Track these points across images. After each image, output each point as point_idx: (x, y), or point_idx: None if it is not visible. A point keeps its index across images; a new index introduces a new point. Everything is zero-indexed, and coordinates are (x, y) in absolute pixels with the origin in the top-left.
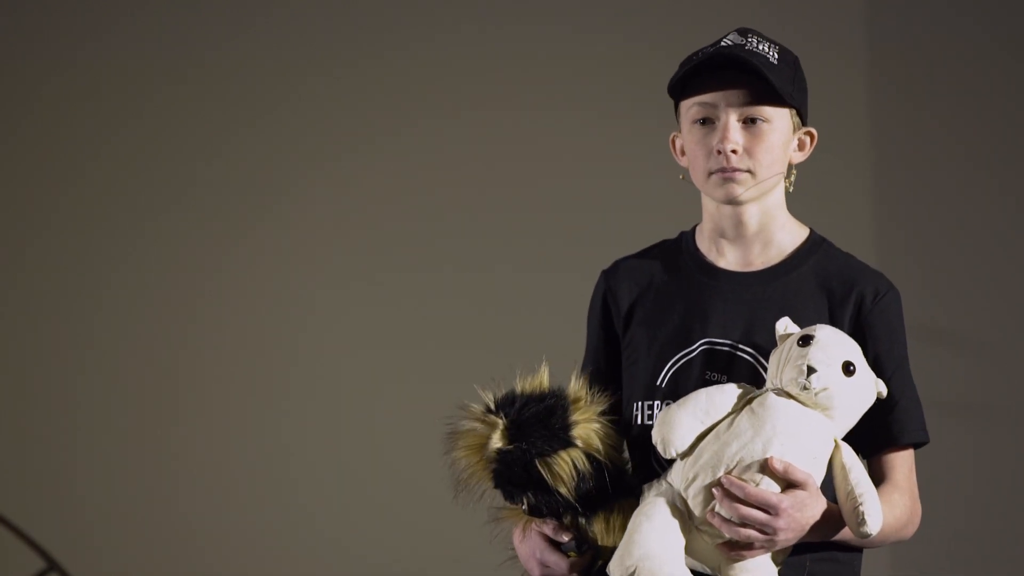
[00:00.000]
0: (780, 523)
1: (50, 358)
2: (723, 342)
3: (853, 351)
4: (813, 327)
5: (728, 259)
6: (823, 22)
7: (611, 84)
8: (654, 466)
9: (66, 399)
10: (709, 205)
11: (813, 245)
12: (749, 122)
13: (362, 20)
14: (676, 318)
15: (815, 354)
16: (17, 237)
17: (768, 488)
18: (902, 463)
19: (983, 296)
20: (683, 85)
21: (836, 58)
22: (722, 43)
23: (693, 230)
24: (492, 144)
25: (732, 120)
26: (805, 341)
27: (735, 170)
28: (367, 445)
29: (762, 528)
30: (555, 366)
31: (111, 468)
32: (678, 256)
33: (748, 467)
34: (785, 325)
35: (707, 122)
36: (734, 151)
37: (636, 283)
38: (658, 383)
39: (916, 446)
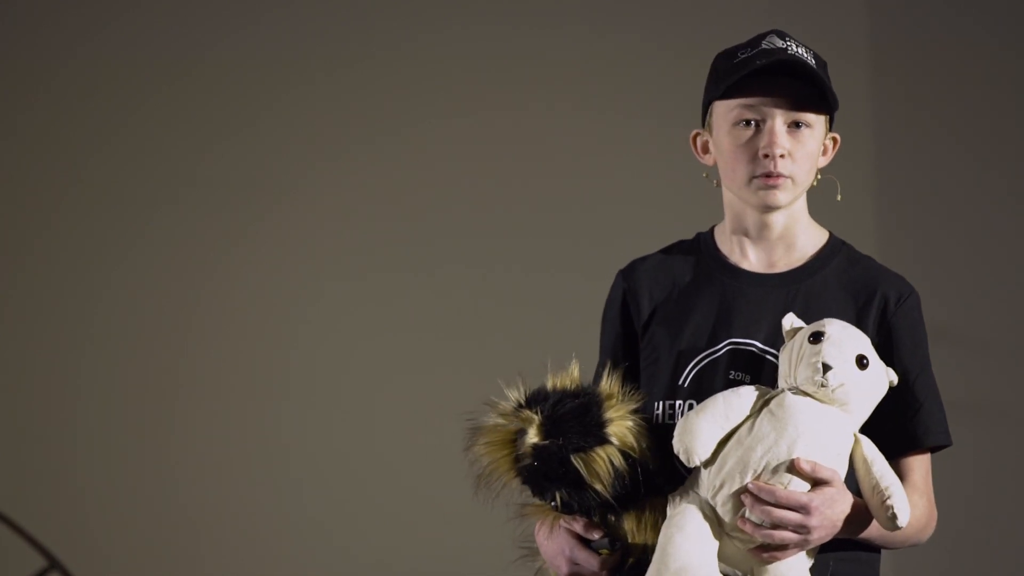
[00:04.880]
0: (813, 521)
1: (50, 357)
2: (747, 343)
3: (864, 344)
4: (821, 322)
5: (751, 260)
6: (824, 22)
7: (619, 83)
8: (676, 466)
9: (66, 398)
10: (735, 205)
11: (834, 248)
12: (794, 127)
13: (362, 20)
14: (699, 318)
15: (828, 350)
16: (17, 236)
17: (797, 489)
18: (919, 466)
19: (984, 296)
20: (724, 86)
21: (837, 58)
22: (763, 45)
23: (711, 231)
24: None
25: (779, 124)
26: (816, 338)
27: (780, 176)
28: (368, 444)
29: (796, 529)
30: (566, 363)
31: (112, 466)
32: (698, 257)
33: (775, 470)
34: (791, 321)
35: (751, 124)
36: (782, 156)
37: (657, 283)
38: (680, 383)
39: (937, 449)
